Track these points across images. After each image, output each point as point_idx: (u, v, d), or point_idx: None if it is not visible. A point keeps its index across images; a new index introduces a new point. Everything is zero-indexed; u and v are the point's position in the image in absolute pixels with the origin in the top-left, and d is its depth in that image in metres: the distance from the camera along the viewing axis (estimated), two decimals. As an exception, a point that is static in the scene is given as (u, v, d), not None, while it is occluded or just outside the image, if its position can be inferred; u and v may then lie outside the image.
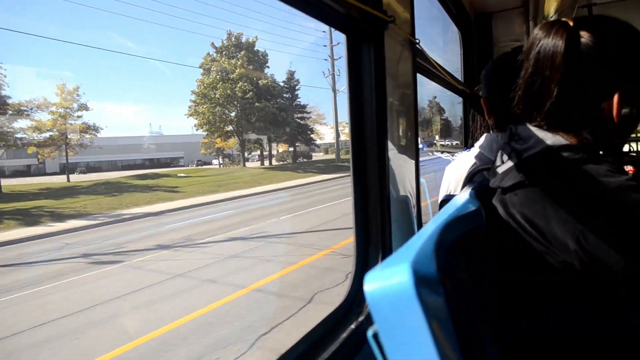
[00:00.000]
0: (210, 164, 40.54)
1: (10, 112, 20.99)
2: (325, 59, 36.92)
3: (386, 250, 1.14)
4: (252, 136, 34.82)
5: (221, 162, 39.29)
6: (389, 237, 1.15)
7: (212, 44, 33.06)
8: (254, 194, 19.31)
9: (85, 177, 29.94)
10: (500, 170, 0.85)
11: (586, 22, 0.78)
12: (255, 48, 33.58)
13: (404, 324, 0.50)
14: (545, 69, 0.78)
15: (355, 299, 1.08)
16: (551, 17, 2.64)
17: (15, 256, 10.14)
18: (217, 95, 31.42)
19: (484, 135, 1.29)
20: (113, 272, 8.07)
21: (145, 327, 5.27)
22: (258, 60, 33.79)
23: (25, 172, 34.86)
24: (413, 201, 1.35)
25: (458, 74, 2.72)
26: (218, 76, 31.77)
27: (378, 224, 1.14)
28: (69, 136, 25.28)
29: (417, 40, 1.41)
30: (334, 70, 36.37)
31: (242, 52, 32.14)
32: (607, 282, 0.72)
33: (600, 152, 0.80)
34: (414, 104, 1.44)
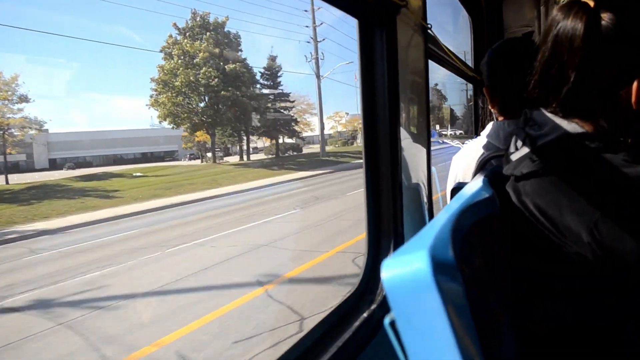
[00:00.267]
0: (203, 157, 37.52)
1: None
2: (308, 42, 33.09)
3: (398, 239, 1.13)
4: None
5: (199, 157, 35.85)
6: (401, 225, 1.14)
7: (175, 24, 28.37)
8: (203, 198, 16.46)
9: (72, 172, 27.99)
10: (514, 157, 0.84)
11: (608, 3, 0.74)
12: (226, 29, 29.82)
13: (422, 311, 0.50)
14: (563, 52, 0.75)
15: (367, 286, 1.08)
16: (563, 1, 2.59)
17: None
18: (177, 83, 27.31)
19: (490, 123, 1.28)
20: None
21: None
22: (229, 43, 29.77)
23: (13, 168, 31.47)
24: (424, 189, 1.34)
25: (468, 60, 2.68)
26: (180, 61, 27.51)
27: (390, 211, 1.13)
28: (9, 131, 22.50)
29: (429, 26, 1.39)
30: (317, 54, 32.46)
31: (208, 34, 28.27)
32: (619, 273, 0.71)
33: (619, 139, 0.78)
34: (425, 91, 1.42)
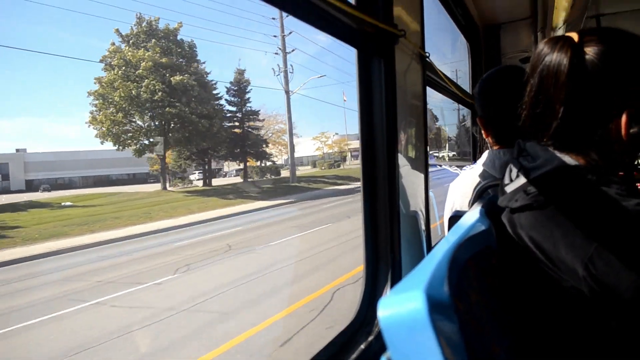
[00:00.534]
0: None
1: None
2: (276, 53, 29.25)
3: (395, 269, 1.13)
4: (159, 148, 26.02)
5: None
6: (399, 254, 1.14)
7: (117, 30, 24.32)
8: (112, 239, 13.24)
9: (46, 195, 26.45)
10: (508, 189, 0.84)
11: (591, 36, 0.75)
12: (181, 37, 25.98)
13: (418, 350, 0.50)
14: (549, 87, 0.76)
15: (365, 318, 1.07)
16: (559, 27, 2.63)
17: None
18: (116, 98, 23.21)
19: (486, 152, 1.28)
20: None
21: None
22: (182, 53, 25.78)
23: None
24: (422, 216, 1.34)
25: (466, 85, 2.71)
26: (120, 72, 23.37)
27: (388, 240, 1.13)
28: None
29: (427, 54, 1.41)
30: (286, 67, 28.95)
31: (154, 41, 24.31)
32: (617, 311, 0.70)
33: (611, 172, 0.78)
34: (423, 117, 1.43)
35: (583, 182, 0.74)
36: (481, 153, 1.44)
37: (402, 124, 1.24)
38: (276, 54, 29.25)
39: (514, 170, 0.83)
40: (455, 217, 1.12)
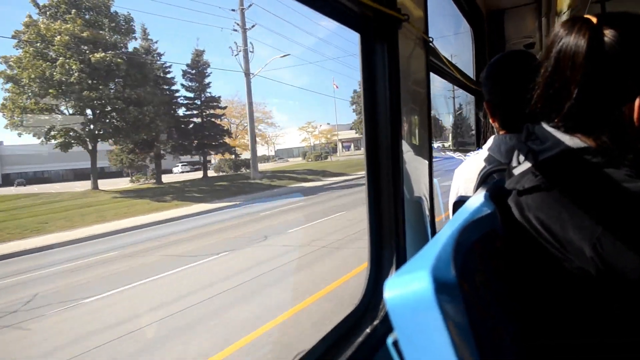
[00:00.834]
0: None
1: None
2: (235, 29, 24.94)
3: (400, 253, 1.13)
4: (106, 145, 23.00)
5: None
6: (403, 239, 1.14)
7: (34, 1, 19.75)
8: None
9: (22, 189, 24.02)
10: (516, 171, 0.84)
11: (611, 19, 0.75)
12: (114, 9, 21.36)
13: (424, 331, 0.50)
14: (566, 69, 0.75)
15: (370, 302, 1.08)
16: (564, 12, 2.61)
17: None
18: (25, 79, 18.58)
19: (492, 137, 1.28)
20: None
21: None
22: (116, 28, 21.21)
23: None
24: (427, 202, 1.34)
25: (470, 71, 2.69)
26: (32, 49, 18.77)
27: (392, 226, 1.13)
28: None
29: (431, 39, 1.39)
30: (246, 45, 24.85)
31: (74, 12, 19.64)
32: (622, 292, 0.70)
33: (621, 154, 0.78)
34: (427, 103, 1.43)
35: (592, 163, 0.74)
36: (486, 139, 1.43)
37: (406, 110, 1.24)
38: (235, 30, 25.22)
39: (522, 154, 0.83)
40: (460, 202, 1.12)
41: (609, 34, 0.73)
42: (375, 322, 1.04)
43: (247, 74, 25.34)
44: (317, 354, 0.92)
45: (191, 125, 27.74)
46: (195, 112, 28.04)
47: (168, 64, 25.86)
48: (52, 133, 20.30)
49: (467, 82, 2.13)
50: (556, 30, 0.79)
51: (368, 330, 1.01)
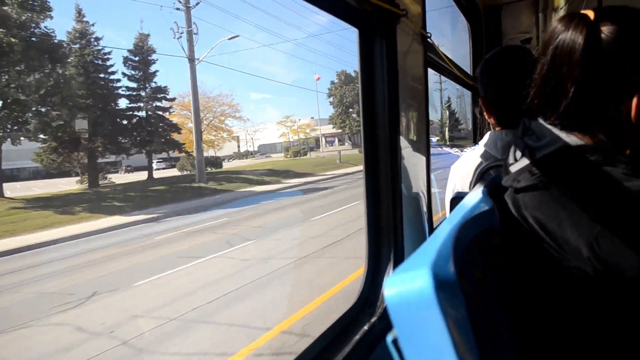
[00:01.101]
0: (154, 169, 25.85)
1: None
2: (178, 8, 21.92)
3: (398, 250, 1.13)
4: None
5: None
6: (401, 235, 1.14)
7: None
8: None
9: None
10: (513, 168, 0.83)
11: (608, 14, 0.74)
12: None
13: (424, 328, 0.50)
14: (562, 65, 0.74)
15: (367, 299, 1.08)
16: (561, 8, 2.60)
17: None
18: None
19: (488, 133, 1.28)
20: None
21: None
22: (25, 4, 16.89)
23: None
24: (424, 198, 1.34)
25: (467, 66, 2.69)
26: None
27: (390, 222, 1.13)
28: None
29: (429, 34, 1.39)
30: (190, 26, 21.64)
31: None
32: (618, 290, 0.70)
33: (618, 152, 0.77)
34: (425, 98, 1.42)
35: (589, 161, 0.73)
36: (482, 135, 1.43)
37: (404, 105, 1.23)
38: (177, 9, 22.10)
39: (519, 150, 0.83)
40: (457, 199, 1.12)
41: (606, 30, 0.72)
42: (373, 319, 1.04)
43: (192, 59, 21.81)
44: (315, 351, 0.92)
45: (136, 120, 23.91)
46: (141, 104, 24.27)
47: (108, 50, 22.29)
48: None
49: (464, 77, 2.12)
50: (553, 26, 0.78)
51: (366, 327, 1.01)
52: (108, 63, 22.35)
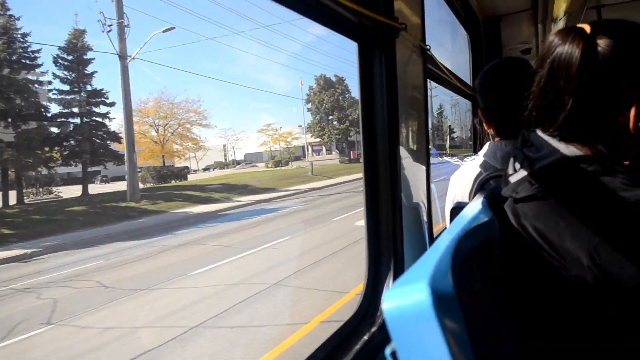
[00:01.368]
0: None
1: None
2: None
3: (398, 260, 1.13)
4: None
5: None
6: (401, 245, 1.15)
7: None
8: None
9: None
10: (512, 179, 0.84)
11: (604, 28, 0.75)
12: None
13: (423, 342, 0.50)
14: (560, 78, 0.75)
15: (368, 309, 1.08)
16: (560, 19, 2.62)
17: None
18: None
19: (487, 143, 1.29)
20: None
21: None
22: None
23: None
24: (424, 208, 1.35)
25: (466, 77, 2.71)
26: None
27: (390, 232, 1.14)
28: None
29: (428, 47, 1.41)
30: (121, 17, 18.13)
31: None
32: (618, 300, 0.71)
33: (617, 162, 0.78)
34: (424, 110, 1.44)
35: (588, 172, 0.74)
36: (482, 145, 1.44)
37: (404, 117, 1.24)
38: None
39: (518, 161, 0.83)
40: (457, 209, 1.12)
41: (602, 43, 0.72)
42: (373, 329, 1.04)
43: (123, 56, 18.19)
44: (316, 360, 0.93)
45: (71, 127, 21.17)
46: (75, 110, 21.37)
47: (36, 48, 19.22)
48: None
49: (464, 88, 2.14)
50: (550, 39, 0.79)
51: (366, 337, 1.02)
52: (37, 62, 19.37)
